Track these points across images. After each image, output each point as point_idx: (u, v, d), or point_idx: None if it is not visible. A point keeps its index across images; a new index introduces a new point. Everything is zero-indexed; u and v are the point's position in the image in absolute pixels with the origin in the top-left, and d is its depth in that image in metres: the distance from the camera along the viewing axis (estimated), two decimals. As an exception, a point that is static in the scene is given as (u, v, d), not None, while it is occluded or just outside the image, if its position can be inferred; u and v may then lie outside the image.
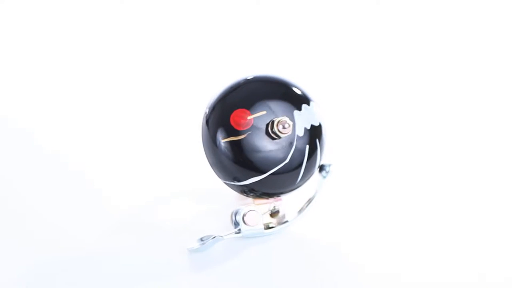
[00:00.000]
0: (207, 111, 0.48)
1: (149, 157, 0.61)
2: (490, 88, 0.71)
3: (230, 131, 0.46)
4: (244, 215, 0.49)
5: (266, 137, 0.47)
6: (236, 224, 0.49)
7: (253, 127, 0.46)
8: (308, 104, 0.48)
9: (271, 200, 0.50)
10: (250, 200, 0.52)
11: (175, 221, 0.53)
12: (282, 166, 0.47)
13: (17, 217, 0.53)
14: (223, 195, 0.54)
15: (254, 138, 0.47)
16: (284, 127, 0.46)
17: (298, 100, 0.48)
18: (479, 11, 0.84)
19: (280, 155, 0.47)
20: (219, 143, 0.47)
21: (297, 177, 0.48)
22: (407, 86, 0.73)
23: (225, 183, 0.49)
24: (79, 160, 0.61)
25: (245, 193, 0.49)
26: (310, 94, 0.49)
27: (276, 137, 0.46)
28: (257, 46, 0.80)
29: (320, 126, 0.48)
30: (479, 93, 0.71)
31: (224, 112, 0.47)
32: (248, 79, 0.48)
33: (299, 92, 0.48)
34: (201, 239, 0.48)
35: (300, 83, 0.49)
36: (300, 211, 0.51)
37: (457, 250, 0.48)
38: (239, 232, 0.49)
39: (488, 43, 0.79)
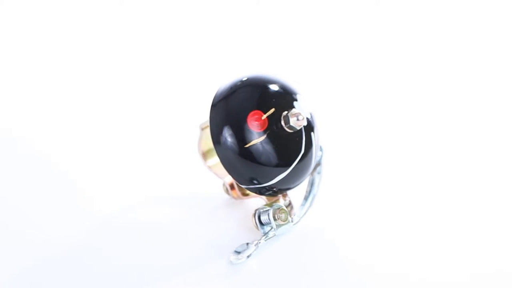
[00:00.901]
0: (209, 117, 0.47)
1: (143, 159, 0.61)
2: (485, 88, 0.72)
3: (249, 134, 0.46)
4: (275, 214, 0.49)
5: (281, 132, 0.47)
6: (263, 225, 0.49)
7: (269, 126, 0.47)
8: (300, 95, 0.48)
9: (279, 196, 0.50)
10: (246, 199, 0.53)
11: (171, 222, 0.53)
12: (301, 157, 0.48)
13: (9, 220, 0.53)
14: (210, 199, 0.54)
15: (273, 136, 0.47)
16: (298, 119, 0.46)
17: (293, 93, 0.48)
18: (478, 11, 0.84)
19: (295, 147, 0.48)
20: (241, 148, 0.46)
21: (310, 165, 0.49)
22: (402, 84, 0.73)
23: (248, 188, 0.48)
24: (74, 161, 0.61)
25: (261, 193, 0.49)
26: (296, 86, 0.49)
27: (291, 130, 0.47)
28: (252, 45, 0.81)
29: (313, 113, 0.49)
30: (471, 91, 0.71)
31: (233, 117, 0.46)
32: (244, 81, 0.48)
33: (290, 85, 0.49)
34: (238, 252, 0.47)
35: (284, 77, 0.49)
36: (306, 200, 0.52)
37: (456, 247, 0.49)
38: (273, 232, 0.49)
39: (487, 44, 0.79)
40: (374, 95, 0.71)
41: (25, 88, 0.72)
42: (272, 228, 0.49)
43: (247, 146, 0.46)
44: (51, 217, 0.53)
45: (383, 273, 0.47)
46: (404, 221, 0.52)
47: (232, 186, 0.53)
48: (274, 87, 0.48)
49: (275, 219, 0.49)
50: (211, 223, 0.52)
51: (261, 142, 0.46)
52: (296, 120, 0.46)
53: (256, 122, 0.46)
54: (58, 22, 0.83)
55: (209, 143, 0.52)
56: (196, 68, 0.75)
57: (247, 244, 0.48)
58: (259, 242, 0.48)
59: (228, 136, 0.46)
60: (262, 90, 0.47)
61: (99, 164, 0.60)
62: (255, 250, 0.47)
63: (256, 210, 0.49)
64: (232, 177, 0.48)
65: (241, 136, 0.46)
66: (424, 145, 0.62)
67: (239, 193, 0.53)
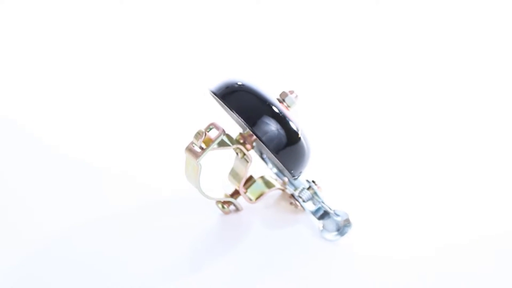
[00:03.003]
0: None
1: (141, 159, 0.61)
2: (482, 89, 0.72)
3: (293, 123, 0.46)
4: (315, 183, 0.51)
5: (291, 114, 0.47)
6: (305, 201, 0.50)
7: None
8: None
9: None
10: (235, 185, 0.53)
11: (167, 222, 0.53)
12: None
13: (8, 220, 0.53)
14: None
15: (294, 120, 0.47)
16: (293, 94, 0.47)
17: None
18: (478, 12, 0.84)
19: (298, 126, 0.48)
20: (298, 138, 0.46)
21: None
22: (400, 83, 0.73)
23: (293, 178, 0.48)
24: (77, 159, 0.61)
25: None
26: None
27: (293, 107, 0.48)
28: (251, 45, 0.81)
29: None
30: (465, 89, 0.72)
31: (275, 114, 0.46)
32: (239, 84, 0.47)
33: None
34: (328, 230, 0.49)
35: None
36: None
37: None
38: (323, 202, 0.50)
39: (486, 45, 0.79)
40: (372, 95, 0.71)
41: (25, 89, 0.72)
42: (319, 198, 0.50)
43: (299, 135, 0.46)
44: (47, 214, 0.54)
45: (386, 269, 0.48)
46: (402, 220, 0.53)
47: (235, 194, 0.53)
48: (256, 82, 0.48)
49: (318, 186, 0.51)
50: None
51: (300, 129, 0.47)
52: (293, 96, 0.47)
53: (288, 111, 0.46)
54: (59, 22, 0.83)
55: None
56: (193, 67, 0.76)
57: (322, 222, 0.49)
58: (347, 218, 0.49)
59: (278, 130, 0.45)
60: (257, 85, 0.48)
61: (98, 167, 0.60)
62: (347, 220, 0.49)
63: (292, 194, 0.51)
64: (291, 169, 0.47)
65: (290, 127, 0.46)
66: (420, 147, 0.62)
67: (246, 198, 0.53)
